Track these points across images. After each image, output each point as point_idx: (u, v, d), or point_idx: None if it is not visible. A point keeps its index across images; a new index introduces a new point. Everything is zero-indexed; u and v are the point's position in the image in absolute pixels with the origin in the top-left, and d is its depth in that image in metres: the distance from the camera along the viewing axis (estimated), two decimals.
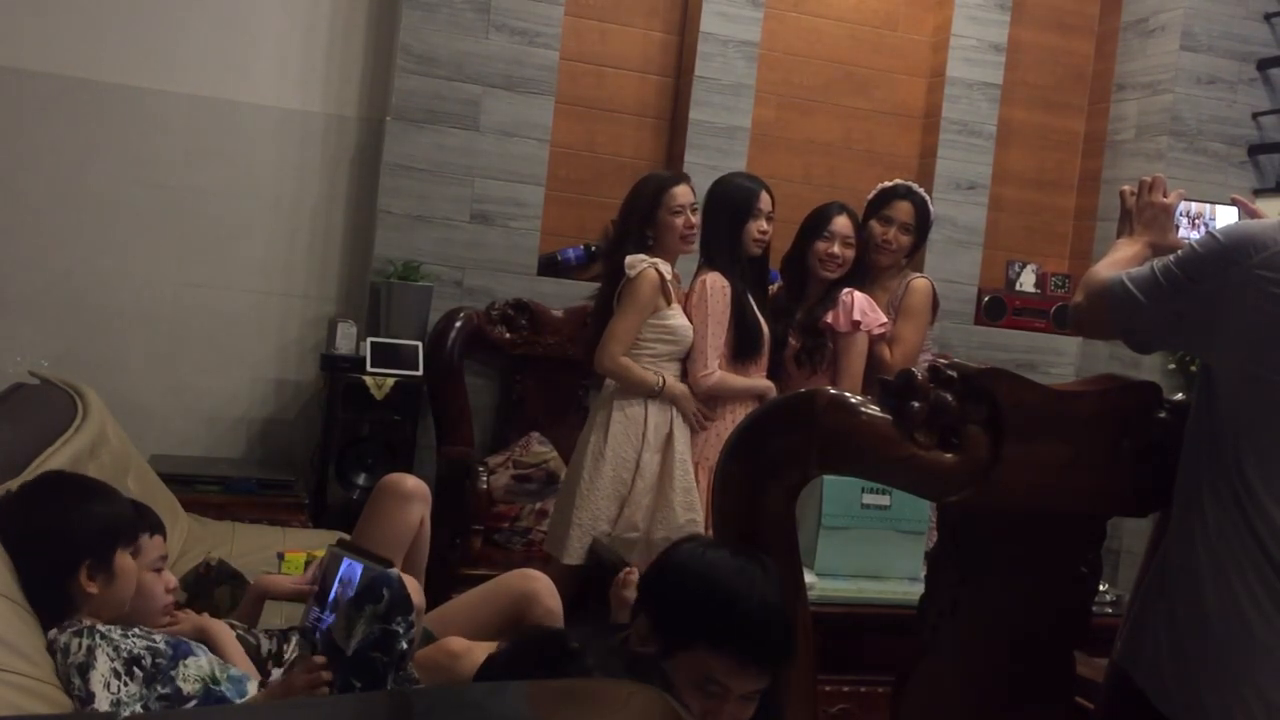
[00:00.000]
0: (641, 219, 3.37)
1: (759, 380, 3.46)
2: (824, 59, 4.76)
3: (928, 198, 3.68)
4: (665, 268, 3.35)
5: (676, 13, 4.57)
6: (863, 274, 3.57)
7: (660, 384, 3.33)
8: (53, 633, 1.93)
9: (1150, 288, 1.70)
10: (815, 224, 3.55)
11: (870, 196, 3.68)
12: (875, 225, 3.60)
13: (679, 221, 3.35)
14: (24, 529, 2.03)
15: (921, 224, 3.63)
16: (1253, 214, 1.95)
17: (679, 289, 3.46)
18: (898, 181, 3.70)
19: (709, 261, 3.46)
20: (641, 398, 3.34)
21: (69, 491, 2.12)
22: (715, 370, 3.37)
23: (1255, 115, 4.75)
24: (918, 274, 3.74)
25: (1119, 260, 1.87)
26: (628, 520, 3.30)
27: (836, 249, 3.49)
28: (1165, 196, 1.94)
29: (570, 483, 3.43)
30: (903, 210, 3.59)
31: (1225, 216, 1.95)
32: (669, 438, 3.35)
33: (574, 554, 3.29)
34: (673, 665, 1.61)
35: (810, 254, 3.53)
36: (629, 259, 3.33)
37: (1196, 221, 1.95)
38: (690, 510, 3.31)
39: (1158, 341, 1.83)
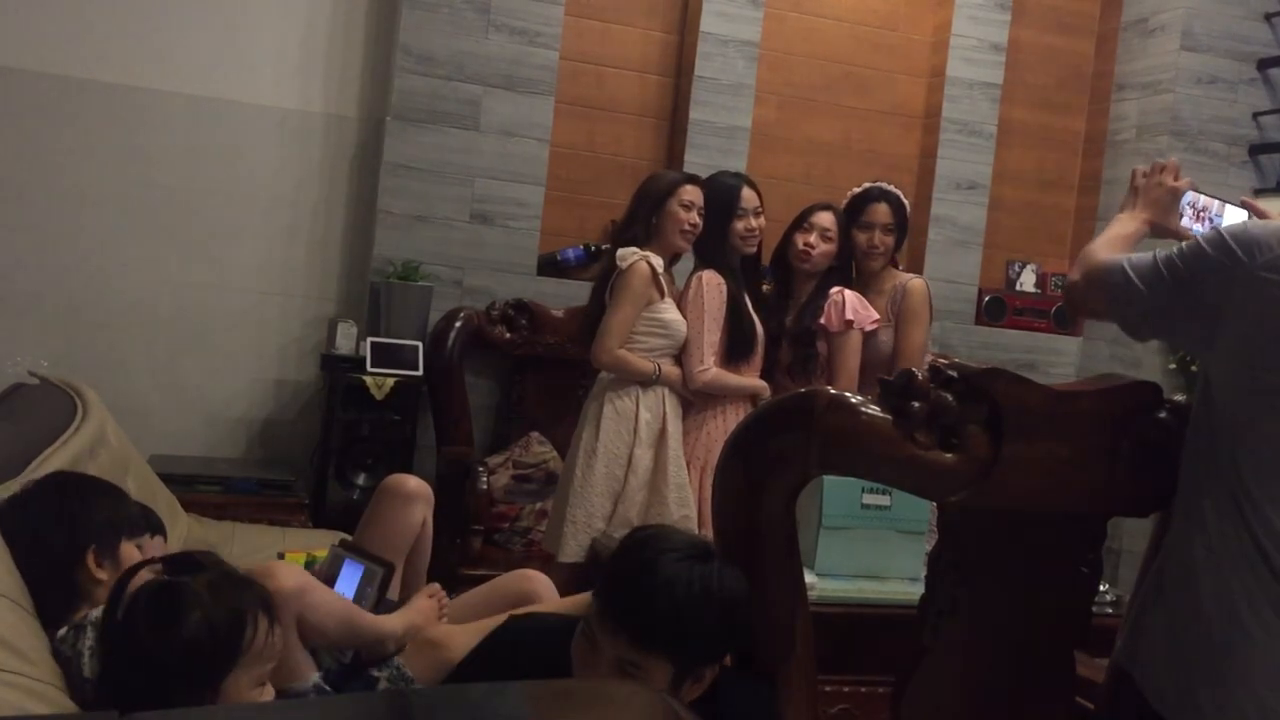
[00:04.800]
0: (651, 208, 3.39)
1: (754, 380, 3.47)
2: (824, 59, 4.76)
3: (900, 194, 3.69)
4: (657, 261, 3.36)
5: (676, 13, 4.57)
6: (847, 274, 3.60)
7: (656, 371, 3.35)
8: (62, 631, 1.93)
9: (1152, 278, 1.69)
10: (798, 219, 3.59)
11: (844, 205, 3.68)
12: (857, 234, 3.62)
13: (685, 215, 3.37)
14: (31, 524, 2.04)
15: (900, 221, 3.65)
16: (1261, 216, 1.94)
17: (672, 285, 3.47)
18: (868, 185, 3.70)
19: (703, 261, 3.47)
20: (633, 393, 3.35)
21: (76, 488, 2.13)
22: (711, 366, 3.38)
23: (1255, 115, 4.76)
24: (912, 275, 3.75)
25: (1116, 239, 1.86)
26: (622, 517, 3.30)
27: (813, 239, 3.51)
28: (1176, 181, 1.93)
29: (565, 480, 3.44)
30: (881, 212, 3.61)
31: (1233, 216, 1.94)
32: (662, 433, 3.35)
33: (570, 552, 3.30)
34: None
35: (789, 247, 3.56)
36: (620, 251, 3.35)
37: (1202, 215, 1.94)
38: (684, 506, 3.31)
39: (1152, 332, 1.82)
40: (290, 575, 2.09)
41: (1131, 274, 1.70)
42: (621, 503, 3.32)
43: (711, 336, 3.38)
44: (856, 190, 3.70)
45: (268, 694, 1.75)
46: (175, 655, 1.61)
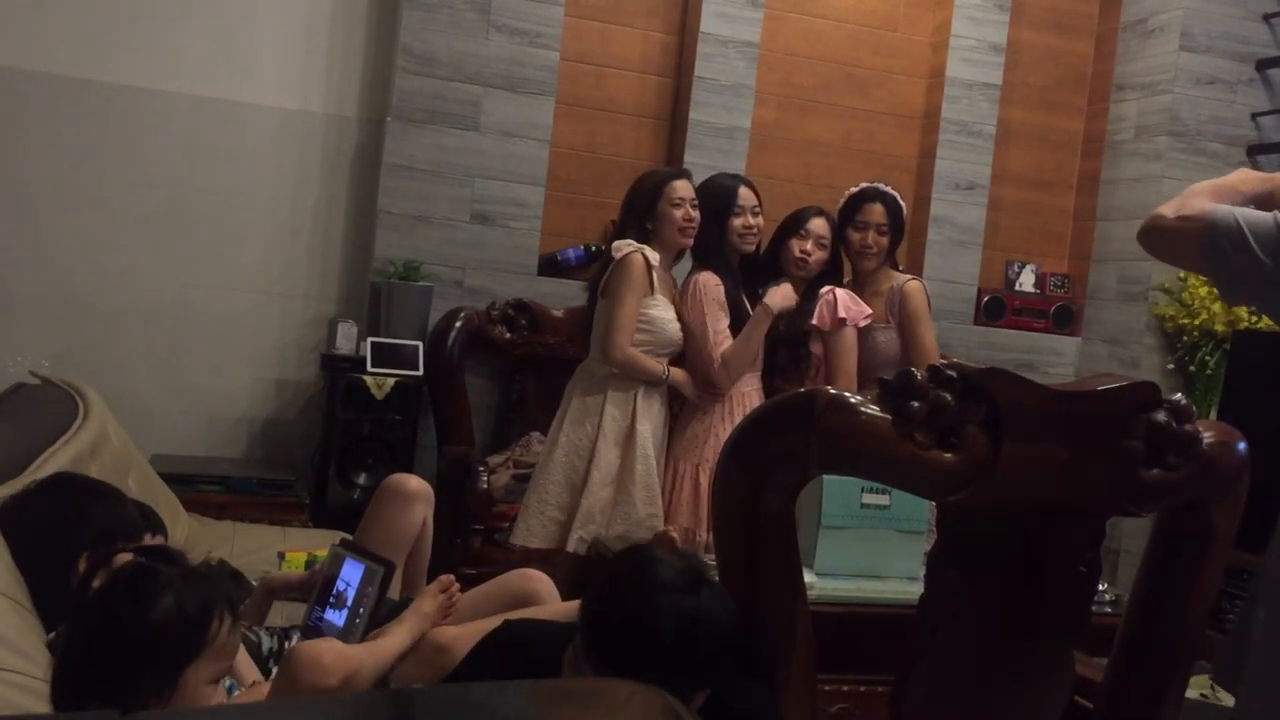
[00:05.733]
0: (642, 212, 3.39)
1: (760, 308, 3.38)
2: (824, 59, 4.76)
3: (897, 195, 3.69)
4: (653, 256, 3.35)
5: (676, 13, 4.58)
6: (838, 276, 3.60)
7: (665, 373, 3.35)
8: (50, 636, 1.93)
9: (1271, 241, 1.55)
10: (792, 224, 3.59)
11: (840, 205, 3.68)
12: (852, 234, 3.63)
13: (678, 214, 3.37)
14: (30, 526, 2.04)
15: (895, 222, 3.66)
16: None
17: (670, 285, 3.46)
18: (864, 185, 3.70)
19: (700, 261, 3.47)
20: (603, 388, 3.34)
21: (74, 491, 2.13)
22: (719, 358, 3.37)
23: (1254, 115, 4.76)
24: (908, 276, 3.75)
25: (1225, 188, 1.70)
26: (586, 512, 3.31)
27: (810, 246, 3.51)
28: None
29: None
30: (875, 213, 3.62)
31: None
32: (630, 432, 3.34)
33: (519, 534, 3.37)
34: None
35: (784, 251, 3.55)
36: (616, 244, 3.36)
37: None
38: (651, 505, 3.31)
39: (1252, 296, 1.68)
40: (333, 669, 1.94)
41: (1245, 229, 1.55)
42: (585, 498, 3.32)
43: (719, 327, 3.37)
44: (853, 190, 3.70)
45: (219, 695, 1.74)
46: (146, 633, 1.62)
